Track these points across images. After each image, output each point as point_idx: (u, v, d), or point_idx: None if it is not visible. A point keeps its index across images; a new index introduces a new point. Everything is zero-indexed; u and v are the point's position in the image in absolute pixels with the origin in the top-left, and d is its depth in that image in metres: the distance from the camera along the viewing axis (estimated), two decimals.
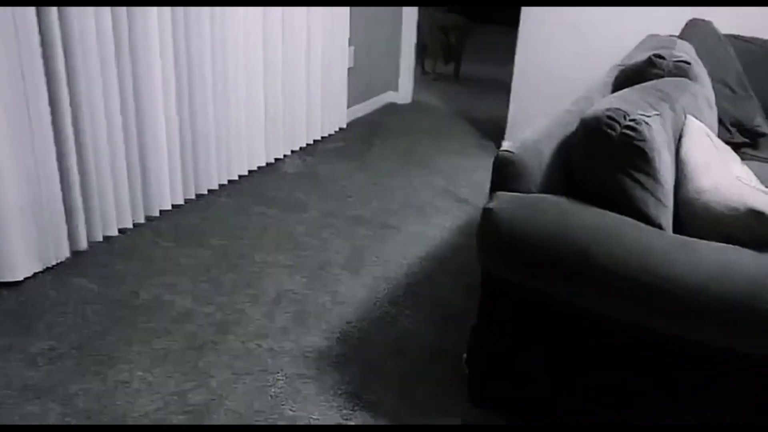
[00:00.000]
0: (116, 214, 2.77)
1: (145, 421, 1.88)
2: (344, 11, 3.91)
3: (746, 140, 2.72)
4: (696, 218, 1.64)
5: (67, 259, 2.60)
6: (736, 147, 2.48)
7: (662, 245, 1.55)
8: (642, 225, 1.60)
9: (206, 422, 1.89)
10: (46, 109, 2.37)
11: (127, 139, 2.75)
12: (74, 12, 2.39)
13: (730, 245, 1.53)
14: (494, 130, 4.22)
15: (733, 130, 2.69)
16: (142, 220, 2.91)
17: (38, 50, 2.30)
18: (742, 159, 2.17)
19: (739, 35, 3.03)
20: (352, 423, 1.92)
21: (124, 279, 2.54)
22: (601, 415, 1.76)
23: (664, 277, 1.50)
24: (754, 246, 1.51)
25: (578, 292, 1.62)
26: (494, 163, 1.74)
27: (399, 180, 3.59)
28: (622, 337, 1.64)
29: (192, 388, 2.01)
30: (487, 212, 1.67)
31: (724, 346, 1.51)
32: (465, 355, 1.96)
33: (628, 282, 1.54)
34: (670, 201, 1.66)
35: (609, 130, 1.60)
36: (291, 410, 1.95)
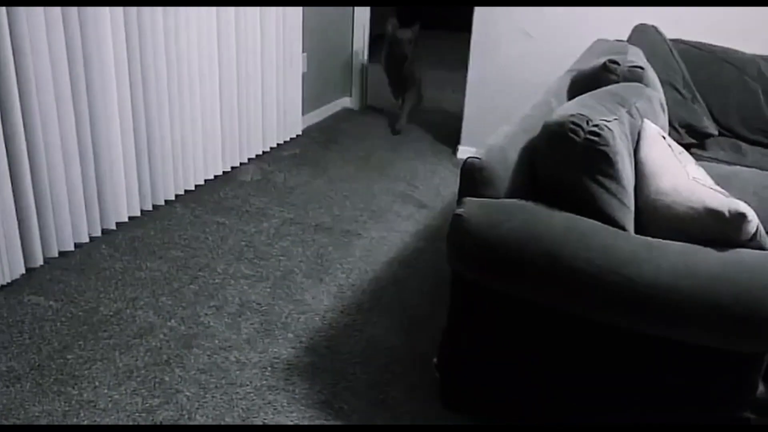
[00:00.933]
0: (72, 228, 2.69)
1: None
2: (297, 18, 3.90)
3: (694, 141, 2.83)
4: (656, 219, 1.70)
5: (22, 276, 2.52)
6: (685, 147, 2.57)
7: (627, 246, 1.60)
8: (607, 227, 1.64)
9: None
10: None
11: (82, 151, 2.67)
12: (24, 24, 2.32)
13: (691, 244, 1.59)
14: (449, 134, 4.27)
15: (681, 131, 2.79)
16: (98, 234, 2.84)
17: None
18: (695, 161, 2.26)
19: (682, 39, 3.14)
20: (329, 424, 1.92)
21: (82, 295, 2.47)
22: (574, 415, 1.80)
23: (630, 276, 1.55)
24: (712, 244, 1.58)
25: (547, 293, 1.66)
26: (462, 170, 1.77)
27: (358, 185, 3.60)
28: (591, 337, 1.69)
29: (159, 405, 1.97)
30: (456, 218, 1.69)
31: (689, 341, 1.57)
32: (435, 360, 1.98)
33: (595, 282, 1.58)
34: (631, 203, 1.72)
35: (573, 136, 1.64)
36: (263, 423, 1.94)
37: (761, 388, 1.62)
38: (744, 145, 2.93)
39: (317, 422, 1.94)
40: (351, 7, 4.65)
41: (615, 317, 1.61)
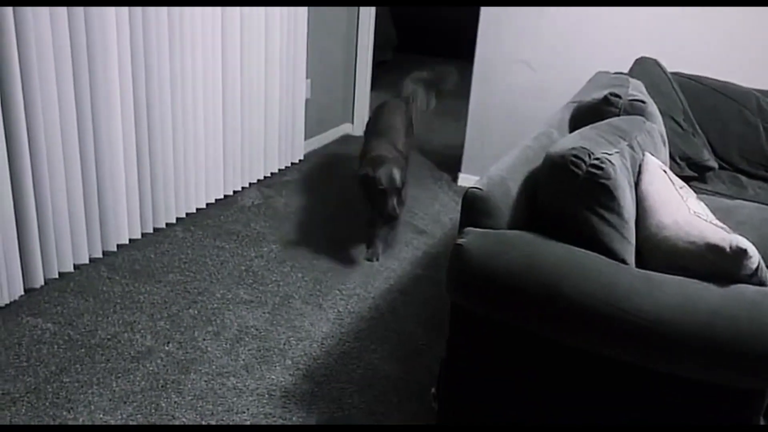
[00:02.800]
0: (72, 249, 2.69)
1: None
2: (302, 43, 3.94)
3: (694, 174, 2.84)
4: (657, 253, 1.70)
5: (21, 297, 2.52)
6: (685, 180, 2.58)
7: (627, 279, 1.60)
8: (607, 260, 1.64)
9: None
10: (1, 144, 2.31)
11: (84, 172, 2.69)
12: (33, 44, 2.35)
13: (691, 279, 1.59)
14: (449, 162, 4.28)
15: (682, 164, 2.80)
16: (99, 255, 2.84)
17: None
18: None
19: (682, 73, 3.17)
20: None
21: (80, 317, 2.46)
22: None
23: (629, 310, 1.54)
24: (712, 279, 1.58)
25: (547, 325, 1.66)
26: (464, 200, 1.77)
27: (358, 211, 3.60)
28: (590, 369, 1.68)
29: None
30: (457, 248, 1.70)
31: (688, 377, 1.56)
32: (433, 390, 1.97)
33: (595, 315, 1.58)
34: (632, 236, 1.72)
35: (575, 168, 1.65)
36: None
37: (762, 423, 1.61)
38: (744, 178, 2.94)
39: None
40: (355, 34, 4.70)
41: (613, 350, 1.60)
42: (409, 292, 2.82)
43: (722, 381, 1.55)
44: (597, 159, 1.65)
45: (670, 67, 3.13)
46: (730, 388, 1.56)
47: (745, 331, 1.47)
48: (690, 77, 3.16)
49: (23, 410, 1.99)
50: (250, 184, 3.78)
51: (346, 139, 4.84)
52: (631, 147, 1.91)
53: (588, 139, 1.79)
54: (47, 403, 2.03)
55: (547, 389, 1.76)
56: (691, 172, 2.83)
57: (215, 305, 2.62)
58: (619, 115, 2.19)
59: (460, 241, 1.71)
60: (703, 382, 1.57)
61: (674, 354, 1.54)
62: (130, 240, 2.99)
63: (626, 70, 3.09)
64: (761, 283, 1.58)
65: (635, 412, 1.68)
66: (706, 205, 1.92)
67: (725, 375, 1.53)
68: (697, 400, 1.62)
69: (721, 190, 2.77)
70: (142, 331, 2.42)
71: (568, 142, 1.76)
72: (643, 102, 2.22)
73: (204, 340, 2.40)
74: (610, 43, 3.51)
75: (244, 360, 2.31)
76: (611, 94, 2.23)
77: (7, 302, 2.46)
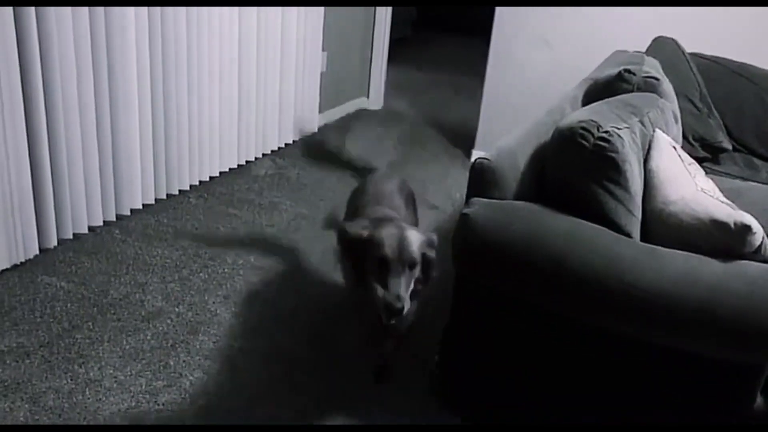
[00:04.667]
0: (87, 211, 2.73)
1: (117, 420, 1.87)
2: (319, 16, 3.93)
3: (708, 155, 2.83)
4: (662, 227, 1.71)
5: (36, 256, 2.57)
6: (699, 161, 2.57)
7: (631, 253, 1.61)
8: (612, 233, 1.66)
9: (177, 422, 1.89)
10: (19, 106, 2.34)
11: (100, 137, 2.72)
12: (52, 11, 2.37)
13: (694, 254, 1.59)
14: (463, 139, 4.28)
15: (695, 144, 2.79)
16: (112, 219, 2.88)
17: (13, 45, 2.27)
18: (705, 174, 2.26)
19: (701, 54, 3.14)
20: (328, 424, 1.94)
21: (93, 277, 2.51)
22: (570, 418, 1.81)
23: (632, 283, 1.56)
24: (716, 255, 1.58)
25: (550, 296, 1.67)
26: (471, 170, 1.79)
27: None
28: (591, 341, 1.70)
29: (163, 388, 2.01)
30: (463, 217, 1.71)
31: (689, 350, 1.58)
32: (437, 357, 2.00)
33: (598, 287, 1.59)
34: (638, 210, 1.73)
35: (583, 141, 1.65)
36: (264, 412, 1.96)
37: (759, 400, 1.62)
38: (758, 161, 2.92)
39: (316, 412, 1.96)
40: (373, 8, 4.68)
41: (615, 323, 1.62)
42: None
43: (722, 356, 1.57)
44: (605, 132, 1.65)
45: (690, 47, 3.10)
46: (729, 363, 1.58)
47: (746, 307, 1.48)
48: (709, 58, 3.13)
49: (36, 363, 2.05)
50: (263, 154, 3.80)
51: (361, 113, 4.85)
52: (642, 123, 1.90)
53: (598, 113, 1.79)
54: (60, 358, 2.08)
55: (548, 361, 1.79)
56: (705, 152, 2.82)
57: (226, 270, 2.66)
58: (632, 92, 2.19)
59: (466, 210, 1.73)
60: (702, 357, 1.59)
61: (675, 327, 1.56)
62: (143, 205, 3.03)
63: (644, 50, 3.07)
64: (765, 261, 1.59)
65: (634, 385, 1.71)
66: (718, 186, 1.92)
67: (725, 349, 1.55)
68: (697, 374, 1.64)
69: (735, 172, 2.76)
70: (153, 292, 2.46)
71: (578, 115, 1.76)
72: (656, 79, 2.21)
73: (214, 303, 2.44)
74: (630, 22, 3.47)
75: (252, 324, 2.35)
76: (625, 70, 2.22)
77: (23, 260, 2.51)
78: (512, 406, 1.91)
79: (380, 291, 1.68)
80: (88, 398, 1.93)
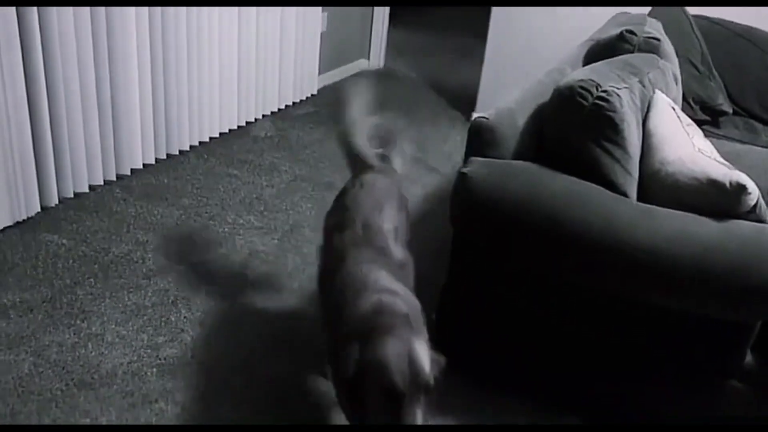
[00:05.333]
0: (87, 170, 2.74)
1: (119, 373, 1.91)
2: None
3: (707, 118, 2.82)
4: (659, 187, 1.72)
5: (37, 214, 2.58)
6: (698, 124, 2.57)
7: (627, 212, 1.63)
8: (608, 192, 1.67)
9: (179, 376, 1.92)
10: (18, 65, 2.33)
11: (100, 96, 2.71)
12: None
13: (689, 213, 1.61)
14: (464, 101, 4.26)
15: (695, 107, 2.78)
16: (113, 178, 2.89)
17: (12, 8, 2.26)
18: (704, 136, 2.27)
19: (705, 16, 3.11)
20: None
21: (94, 235, 2.53)
22: (562, 377, 1.85)
23: (627, 241, 1.58)
24: (712, 214, 1.60)
25: (546, 254, 1.69)
26: (470, 129, 1.79)
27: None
28: (586, 301, 1.72)
29: (164, 343, 2.04)
30: (461, 176, 1.73)
31: (682, 309, 1.60)
32: (434, 316, 2.02)
33: (594, 246, 1.61)
34: (635, 170, 1.74)
35: (581, 100, 1.66)
36: (266, 371, 1.99)
37: (749, 357, 1.65)
38: (759, 124, 2.92)
39: (317, 369, 2.00)
40: None
41: (611, 282, 1.64)
42: (416, 225, 2.84)
43: (714, 314, 1.60)
44: (604, 92, 1.66)
45: (693, 10, 3.06)
46: (721, 321, 1.61)
47: (738, 265, 1.51)
48: (712, 20, 3.10)
49: (40, 317, 2.08)
50: (263, 115, 3.79)
51: (362, 75, 4.82)
52: (642, 84, 1.90)
53: (598, 72, 1.79)
54: (62, 313, 2.11)
55: (544, 319, 1.81)
56: (705, 115, 2.81)
57: (226, 230, 2.68)
58: (633, 52, 2.18)
59: (464, 169, 1.74)
60: (695, 316, 1.61)
61: (669, 286, 1.58)
62: (144, 164, 3.04)
63: (648, 12, 3.04)
64: (759, 221, 1.60)
65: (627, 343, 1.74)
66: (717, 149, 1.92)
67: (716, 307, 1.58)
68: (689, 333, 1.66)
69: (734, 136, 2.76)
70: (154, 250, 2.49)
71: (578, 74, 1.76)
72: (657, 40, 2.19)
73: (214, 261, 2.46)
74: None
75: (253, 282, 2.37)
76: (626, 30, 2.20)
77: (25, 217, 2.53)
78: (509, 363, 1.94)
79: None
80: (91, 352, 1.97)
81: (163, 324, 2.12)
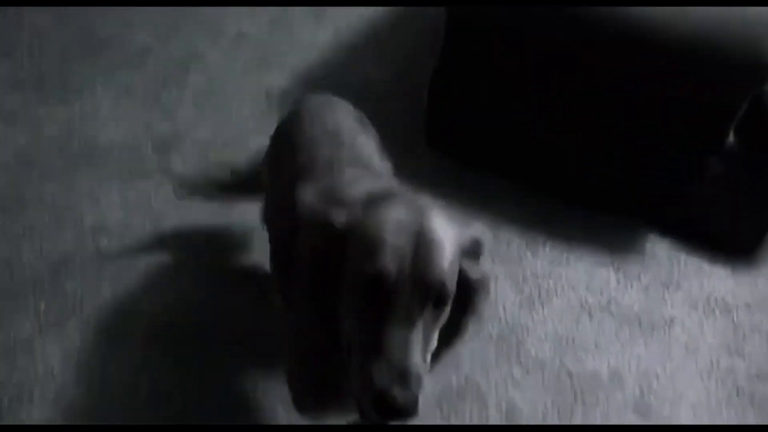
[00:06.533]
0: None
1: (114, 149, 1.94)
2: None
3: None
4: None
5: None
6: None
7: None
8: None
9: (172, 152, 1.95)
10: None
11: None
12: None
13: None
14: None
15: None
16: None
17: None
18: None
19: None
20: None
21: (78, 16, 2.44)
22: (546, 163, 1.89)
23: (621, 19, 1.55)
24: None
25: (540, 30, 1.66)
26: None
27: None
28: (575, 83, 1.71)
29: (157, 120, 2.06)
30: None
31: (664, 93, 1.61)
32: (426, 99, 2.01)
33: (588, 24, 1.59)
34: None
35: None
36: (257, 140, 2.01)
37: (732, 138, 1.68)
38: None
39: None
40: None
41: (603, 63, 1.63)
42: (409, 11, 2.75)
43: (697, 95, 1.61)
44: None
45: None
46: (704, 103, 1.62)
47: (725, 43, 1.49)
48: None
49: (31, 91, 2.07)
50: None
51: None
52: None
53: None
54: (54, 88, 2.10)
55: (534, 103, 1.81)
56: None
57: (214, 12, 2.58)
58: None
59: None
60: (679, 99, 1.63)
61: (659, 66, 1.58)
62: None
63: None
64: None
65: (611, 125, 1.76)
66: None
67: (701, 88, 1.58)
68: (675, 116, 1.68)
69: None
70: (141, 31, 2.41)
71: None
72: None
73: (203, 43, 2.41)
74: None
75: (242, 64, 2.34)
76: None
77: None
78: (499, 147, 1.96)
79: (362, 356, 0.83)
80: (86, 128, 1.99)
81: (155, 102, 2.13)
